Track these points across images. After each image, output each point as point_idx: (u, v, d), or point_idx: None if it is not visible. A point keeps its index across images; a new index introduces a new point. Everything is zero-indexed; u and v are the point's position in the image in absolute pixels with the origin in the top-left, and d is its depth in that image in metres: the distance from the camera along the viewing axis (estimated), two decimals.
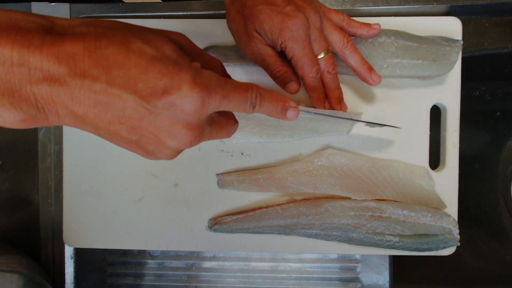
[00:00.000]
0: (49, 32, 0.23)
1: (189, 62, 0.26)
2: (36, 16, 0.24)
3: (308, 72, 0.38)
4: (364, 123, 0.42)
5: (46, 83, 0.22)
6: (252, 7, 0.37)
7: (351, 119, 0.41)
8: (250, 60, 0.41)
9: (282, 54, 0.39)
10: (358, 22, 0.42)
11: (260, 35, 0.38)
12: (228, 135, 0.32)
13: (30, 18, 0.23)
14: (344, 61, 0.41)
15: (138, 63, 0.24)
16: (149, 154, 0.28)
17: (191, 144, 0.27)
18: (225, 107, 0.27)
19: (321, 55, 0.39)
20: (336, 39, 0.40)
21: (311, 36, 0.38)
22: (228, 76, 0.32)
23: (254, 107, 0.29)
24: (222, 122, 0.30)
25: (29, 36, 0.22)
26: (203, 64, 0.27)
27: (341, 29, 0.41)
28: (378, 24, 0.42)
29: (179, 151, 0.28)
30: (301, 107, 0.37)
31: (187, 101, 0.25)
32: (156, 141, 0.26)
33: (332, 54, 0.40)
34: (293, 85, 0.40)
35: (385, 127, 0.42)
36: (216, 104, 0.26)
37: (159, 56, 0.25)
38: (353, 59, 0.40)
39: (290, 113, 0.31)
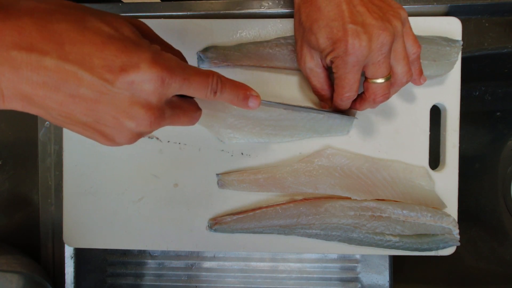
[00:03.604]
0: None
1: (149, 44, 0.25)
2: None
3: (340, 94, 0.37)
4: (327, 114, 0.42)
5: None
6: (312, 22, 0.35)
7: (318, 112, 0.42)
8: (298, 66, 0.41)
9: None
10: (420, 65, 0.39)
11: (313, 53, 0.38)
12: (192, 121, 0.31)
13: None
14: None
15: (94, 40, 0.23)
16: (107, 138, 0.26)
17: (151, 125, 0.26)
18: (185, 90, 0.27)
19: (380, 80, 0.35)
20: (400, 71, 0.36)
21: (371, 59, 0.34)
22: None
23: (215, 93, 0.29)
24: (184, 107, 0.30)
25: None
26: (164, 50, 0.27)
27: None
28: (425, 79, 0.39)
29: (139, 134, 0.27)
30: (265, 99, 0.37)
31: (146, 80, 0.24)
32: (114, 123, 0.25)
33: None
34: (325, 106, 0.42)
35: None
36: (177, 86, 0.26)
37: (117, 36, 0.24)
38: (388, 96, 0.37)
39: (252, 102, 0.32)
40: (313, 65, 0.39)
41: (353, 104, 0.39)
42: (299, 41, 0.39)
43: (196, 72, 0.27)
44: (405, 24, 0.35)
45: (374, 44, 0.33)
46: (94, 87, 0.23)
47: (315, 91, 0.42)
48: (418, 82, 0.39)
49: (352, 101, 0.39)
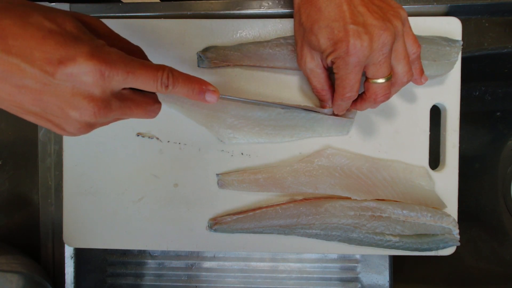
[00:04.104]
0: None
1: (92, 39, 0.26)
2: None
3: (341, 95, 0.37)
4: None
5: None
6: (313, 23, 0.34)
7: (287, 107, 0.42)
8: (299, 66, 0.41)
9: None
10: (421, 65, 0.39)
11: (314, 54, 0.38)
12: (148, 114, 0.31)
13: None
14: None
15: (36, 35, 0.24)
16: (58, 128, 0.28)
17: (96, 116, 0.27)
18: (132, 83, 0.28)
19: (381, 80, 0.35)
20: (401, 71, 0.36)
21: (372, 59, 0.34)
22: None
23: (166, 86, 0.29)
24: (137, 100, 0.30)
25: None
26: (121, 47, 0.28)
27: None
28: (426, 78, 0.39)
29: (88, 124, 0.28)
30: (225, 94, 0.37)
31: (83, 72, 0.25)
32: (60, 113, 0.27)
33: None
34: (325, 106, 0.42)
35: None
36: (120, 79, 0.27)
37: (58, 30, 0.25)
38: (389, 96, 0.37)
39: (209, 96, 0.32)
40: (314, 65, 0.39)
41: (353, 104, 0.39)
42: (300, 41, 0.39)
43: (143, 66, 0.28)
44: (405, 24, 0.35)
45: (375, 44, 0.33)
46: (36, 79, 0.25)
47: (315, 92, 0.42)
48: (419, 82, 0.39)
49: (352, 101, 0.39)
